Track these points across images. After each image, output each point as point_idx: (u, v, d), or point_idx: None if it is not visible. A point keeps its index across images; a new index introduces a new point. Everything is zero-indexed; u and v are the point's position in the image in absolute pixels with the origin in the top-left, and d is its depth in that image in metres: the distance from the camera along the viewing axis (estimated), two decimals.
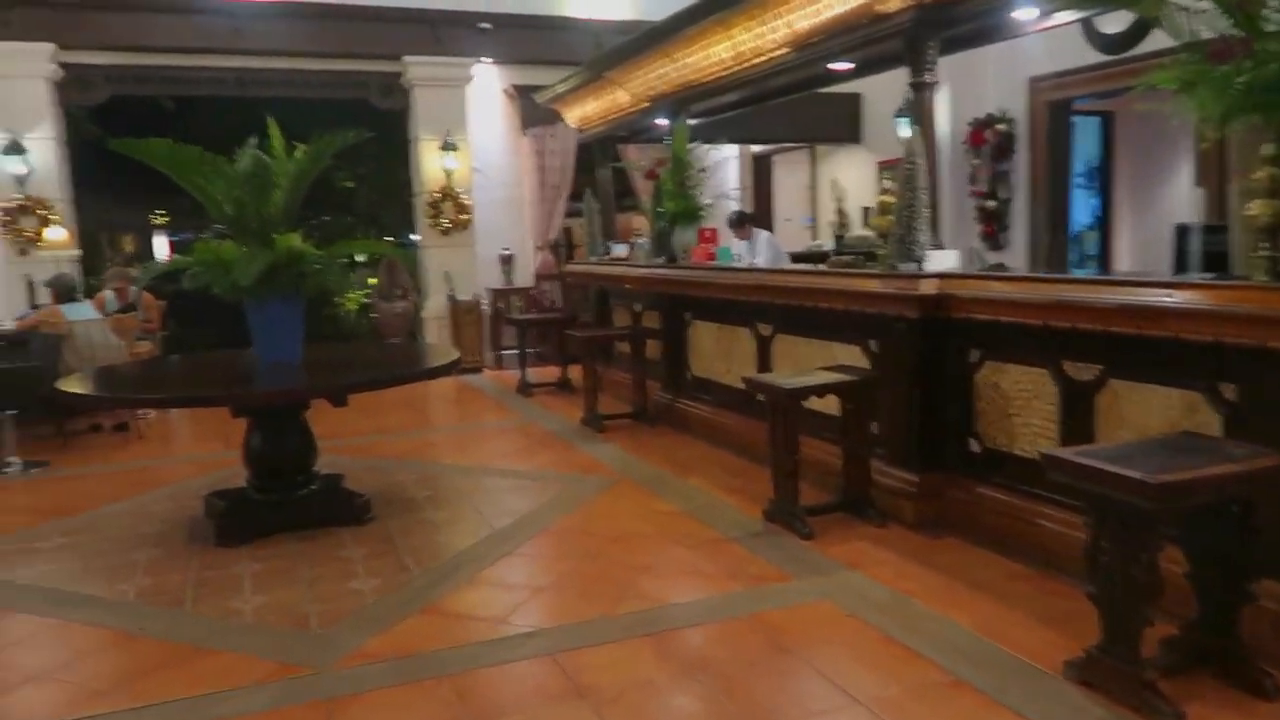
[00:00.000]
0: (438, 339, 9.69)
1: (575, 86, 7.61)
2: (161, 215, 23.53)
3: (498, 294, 9.90)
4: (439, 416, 7.59)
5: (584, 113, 7.98)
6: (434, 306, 9.78)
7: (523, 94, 9.92)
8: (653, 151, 9.97)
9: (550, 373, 8.54)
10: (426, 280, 9.85)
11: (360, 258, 11.59)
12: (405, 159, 10.19)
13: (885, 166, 9.49)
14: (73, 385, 4.32)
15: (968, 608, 3.23)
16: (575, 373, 8.20)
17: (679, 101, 6.53)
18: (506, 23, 9.61)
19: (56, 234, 8.07)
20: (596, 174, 8.40)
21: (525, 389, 8.17)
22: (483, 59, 9.80)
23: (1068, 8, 4.18)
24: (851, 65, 5.39)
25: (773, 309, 5.17)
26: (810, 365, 4.82)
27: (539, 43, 9.84)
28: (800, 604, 3.38)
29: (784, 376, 4.38)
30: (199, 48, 8.80)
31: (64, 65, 8.47)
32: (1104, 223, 8.67)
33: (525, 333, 8.59)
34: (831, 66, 5.35)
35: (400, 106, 9.78)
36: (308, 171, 4.51)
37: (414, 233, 10.69)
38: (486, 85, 9.98)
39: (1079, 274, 6.39)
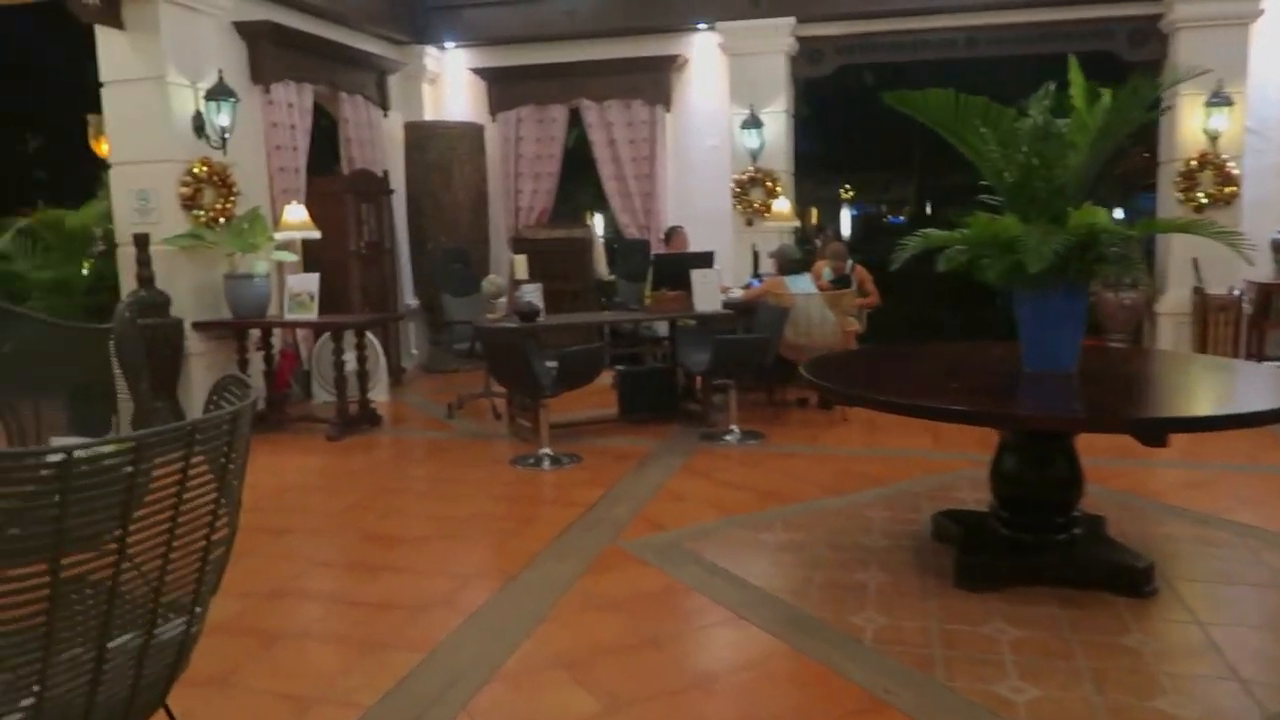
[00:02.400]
0: (1174, 341, 7.91)
1: None
2: (848, 190, 24.64)
3: (1263, 289, 7.71)
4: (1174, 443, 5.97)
5: None
6: (1173, 300, 7.98)
7: None
8: None
9: None
10: (1165, 267, 8.10)
11: None
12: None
13: None
14: (810, 371, 3.91)
15: None
16: None
17: None
18: None
19: (781, 205, 8.24)
20: None
21: None
22: None
23: None
24: None
25: None
26: None
27: None
28: None
29: None
30: (930, 8, 8.22)
31: (798, 39, 8.59)
32: None
33: None
34: None
35: (1154, 57, 8.09)
36: (1113, 129, 3.44)
37: (1120, 207, 8.95)
38: (1276, 19, 7.75)
39: None
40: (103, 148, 6.92)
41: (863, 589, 3.50)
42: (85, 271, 7.02)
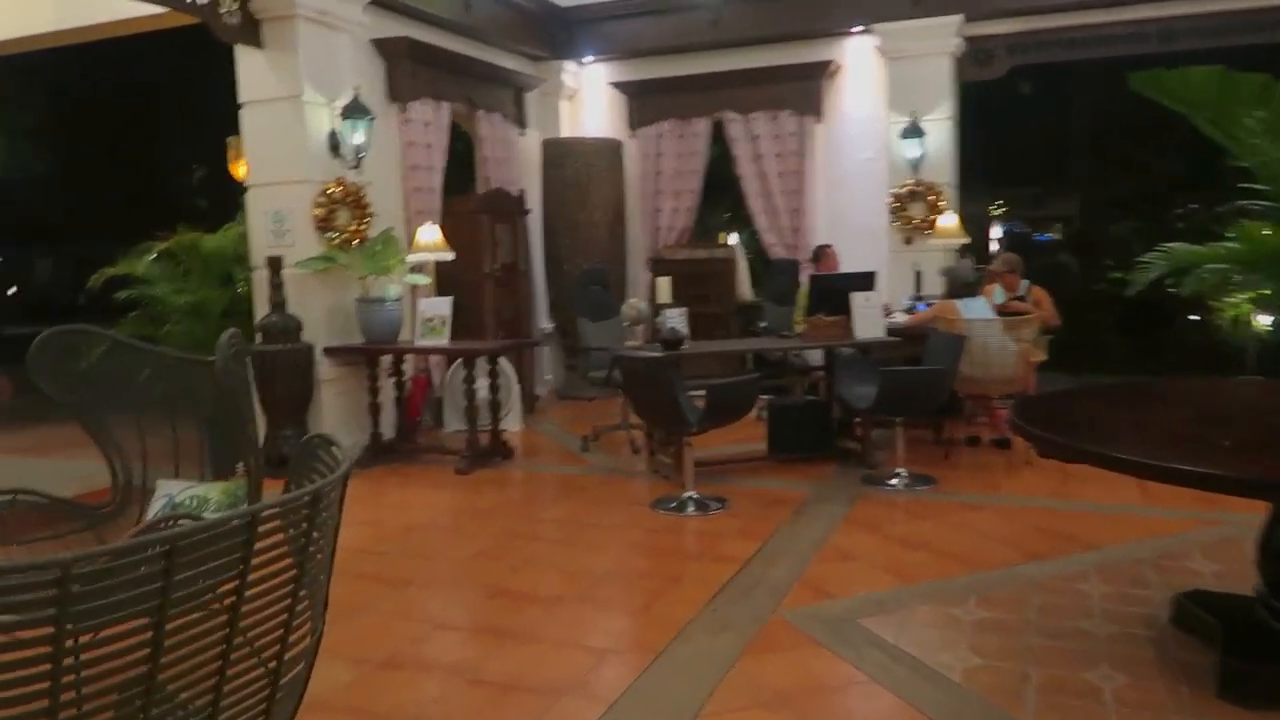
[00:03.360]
0: None
1: None
2: (999, 207, 23.25)
3: None
4: None
5: None
6: None
7: None
8: None
9: None
10: None
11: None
12: None
13: None
14: (1021, 417, 3.22)
15: None
16: None
17: None
18: None
19: (948, 221, 7.47)
20: None
21: None
22: None
23: None
24: None
25: None
26: None
27: None
28: None
29: None
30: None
31: (966, 39, 7.83)
32: None
33: None
34: None
35: None
36: None
37: None
38: None
39: None
40: (240, 170, 6.84)
41: (1096, 695, 2.79)
42: (240, 291, 6.90)
